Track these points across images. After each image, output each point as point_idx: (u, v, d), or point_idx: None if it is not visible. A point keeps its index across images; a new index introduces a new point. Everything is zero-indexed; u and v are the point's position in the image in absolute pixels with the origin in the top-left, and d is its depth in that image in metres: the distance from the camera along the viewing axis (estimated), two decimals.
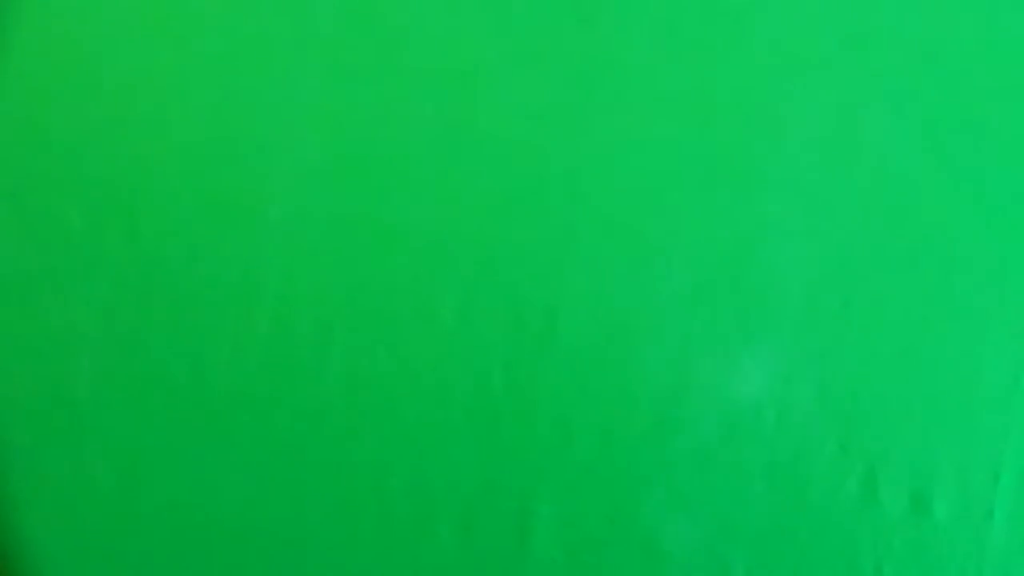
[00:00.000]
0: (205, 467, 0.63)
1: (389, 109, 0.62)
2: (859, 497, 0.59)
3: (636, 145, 0.61)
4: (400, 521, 0.63)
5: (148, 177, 0.63)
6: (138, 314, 0.64)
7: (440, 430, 0.62)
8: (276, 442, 0.63)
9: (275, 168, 0.63)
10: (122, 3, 0.63)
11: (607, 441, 0.62)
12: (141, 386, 0.64)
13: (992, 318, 0.58)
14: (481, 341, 0.62)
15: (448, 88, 0.62)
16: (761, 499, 0.60)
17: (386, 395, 0.63)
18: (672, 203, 0.60)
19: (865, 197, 0.59)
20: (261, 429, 0.63)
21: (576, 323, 0.62)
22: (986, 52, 0.57)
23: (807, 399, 0.60)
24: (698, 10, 0.60)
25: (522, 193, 0.62)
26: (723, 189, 0.60)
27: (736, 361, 0.60)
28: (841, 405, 0.60)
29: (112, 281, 0.64)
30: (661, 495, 0.61)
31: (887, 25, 0.58)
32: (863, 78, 0.58)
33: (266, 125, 0.63)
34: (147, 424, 0.63)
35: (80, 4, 0.65)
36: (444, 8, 0.62)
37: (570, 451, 0.62)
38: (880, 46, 0.58)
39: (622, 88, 0.61)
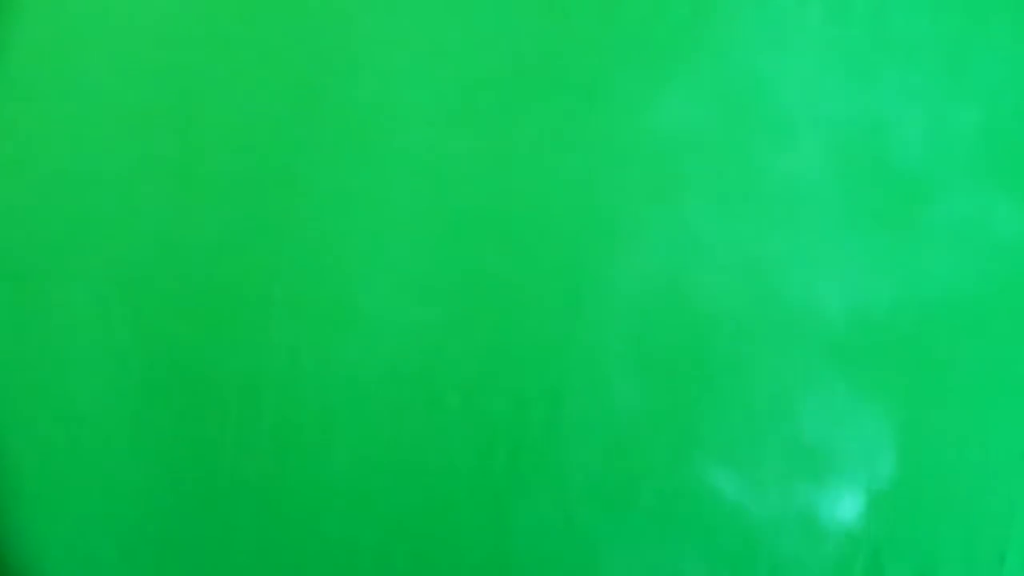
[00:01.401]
0: (208, 554, 0.64)
1: (392, 194, 0.62)
2: None
3: (640, 231, 0.61)
4: None
5: (153, 260, 0.63)
6: (143, 398, 0.64)
7: (444, 514, 0.63)
8: (280, 525, 0.63)
9: (279, 252, 0.63)
10: (124, 92, 0.63)
11: (610, 525, 0.62)
12: (145, 471, 0.64)
13: (997, 399, 0.58)
14: (485, 425, 0.62)
15: (450, 172, 0.62)
16: None
17: (390, 479, 0.63)
18: (678, 290, 0.60)
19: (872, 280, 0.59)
20: (265, 513, 0.63)
21: (579, 408, 0.62)
22: None
23: (813, 483, 0.60)
24: (709, 86, 0.60)
25: (526, 278, 0.62)
26: (728, 275, 0.60)
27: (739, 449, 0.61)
28: (847, 488, 0.60)
29: (116, 365, 0.64)
30: None
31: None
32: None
33: (271, 211, 0.63)
34: (150, 509, 0.64)
35: (75, 89, 0.65)
36: (445, 96, 0.62)
37: (573, 535, 0.62)
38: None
39: (626, 169, 0.61)
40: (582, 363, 0.62)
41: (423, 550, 0.63)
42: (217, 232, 0.64)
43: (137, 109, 0.64)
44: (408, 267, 0.62)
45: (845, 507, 0.60)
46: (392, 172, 0.62)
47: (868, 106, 0.58)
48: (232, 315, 0.63)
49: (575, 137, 0.61)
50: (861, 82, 0.58)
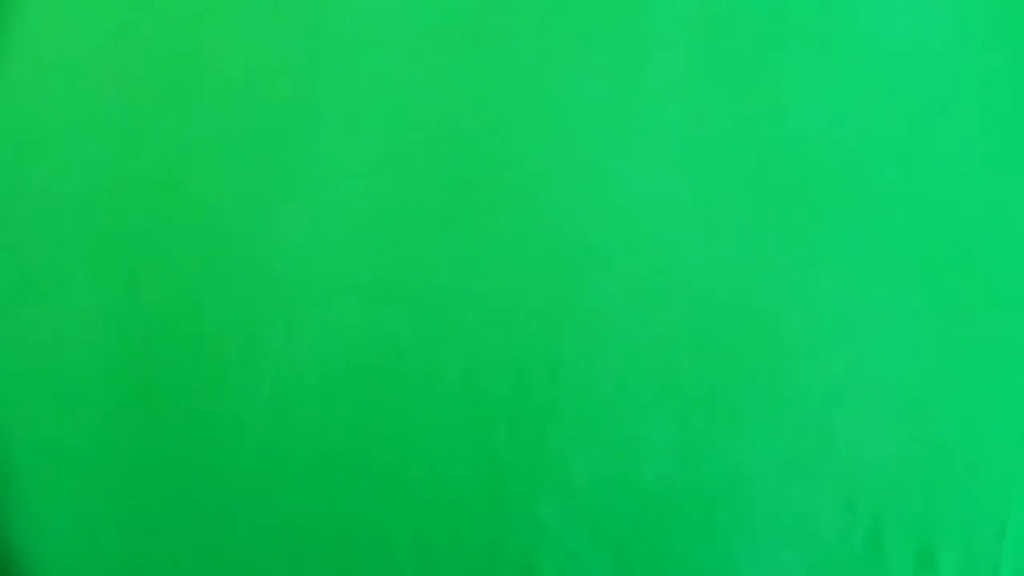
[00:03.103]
0: (206, 525, 0.63)
1: (395, 169, 0.63)
2: (864, 553, 0.59)
3: (641, 207, 0.61)
4: None
5: (151, 234, 0.64)
6: (140, 371, 0.63)
7: (444, 488, 0.62)
8: (278, 498, 0.62)
9: (279, 226, 0.63)
10: (126, 72, 0.64)
11: (611, 498, 0.61)
12: (143, 443, 0.63)
13: (998, 373, 0.59)
14: (485, 399, 0.62)
15: (452, 150, 0.63)
16: (767, 555, 0.60)
17: (390, 453, 0.62)
18: (678, 263, 0.61)
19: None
20: (264, 486, 0.63)
21: (578, 382, 0.62)
22: None
23: (813, 454, 0.60)
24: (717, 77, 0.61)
25: (526, 253, 0.62)
26: (728, 250, 0.61)
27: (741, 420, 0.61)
28: (847, 460, 0.60)
29: (114, 338, 0.64)
30: (665, 551, 0.61)
31: None
32: None
33: (271, 184, 0.63)
34: (148, 482, 0.63)
35: (80, 65, 0.65)
36: (454, 76, 0.63)
37: (574, 509, 0.61)
38: None
39: (626, 149, 0.62)
40: (580, 338, 0.62)
41: (422, 525, 0.62)
42: (213, 211, 0.64)
43: (134, 97, 0.65)
44: (407, 241, 0.63)
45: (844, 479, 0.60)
46: (393, 141, 0.63)
47: None
48: (229, 293, 0.63)
49: (577, 113, 0.62)
50: None
